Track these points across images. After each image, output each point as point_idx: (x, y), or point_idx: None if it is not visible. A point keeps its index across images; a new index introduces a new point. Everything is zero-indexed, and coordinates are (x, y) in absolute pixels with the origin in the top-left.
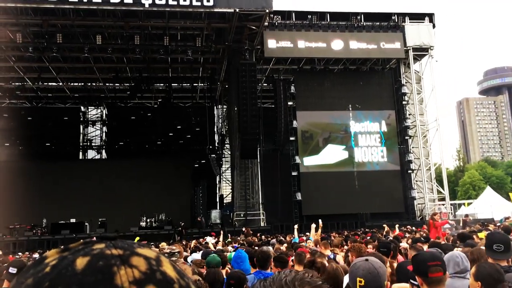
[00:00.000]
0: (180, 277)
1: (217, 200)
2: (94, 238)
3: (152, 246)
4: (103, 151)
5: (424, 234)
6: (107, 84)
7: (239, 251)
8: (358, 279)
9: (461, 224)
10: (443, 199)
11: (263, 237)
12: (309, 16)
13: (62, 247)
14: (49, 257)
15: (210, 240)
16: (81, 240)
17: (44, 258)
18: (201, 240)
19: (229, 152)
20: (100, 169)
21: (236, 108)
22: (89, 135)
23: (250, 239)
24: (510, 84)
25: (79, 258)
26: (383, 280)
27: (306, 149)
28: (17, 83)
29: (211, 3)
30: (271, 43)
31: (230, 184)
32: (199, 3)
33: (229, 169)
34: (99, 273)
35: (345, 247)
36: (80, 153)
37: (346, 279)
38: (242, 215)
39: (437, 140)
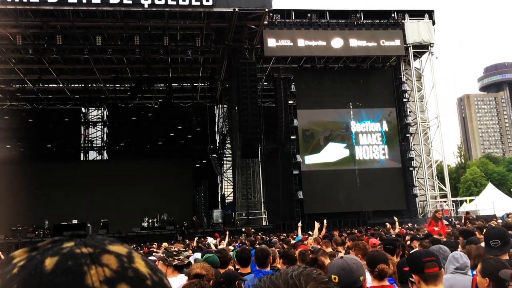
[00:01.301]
0: (153, 273)
1: (219, 199)
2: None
3: (155, 245)
4: (104, 152)
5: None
6: (108, 85)
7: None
8: (332, 276)
9: (462, 221)
10: (444, 196)
11: (263, 236)
12: (309, 15)
13: (30, 246)
14: (16, 257)
15: (211, 240)
16: (50, 239)
17: (11, 259)
18: (203, 239)
19: (230, 152)
20: (101, 170)
21: (236, 108)
22: (90, 136)
23: (253, 238)
24: (511, 80)
25: (48, 258)
26: (357, 275)
27: (307, 147)
28: (18, 85)
29: (210, 3)
30: (271, 42)
31: (232, 184)
32: (198, 3)
33: (231, 168)
34: (69, 273)
35: (347, 244)
36: (82, 154)
37: None
38: (244, 215)
39: (438, 137)
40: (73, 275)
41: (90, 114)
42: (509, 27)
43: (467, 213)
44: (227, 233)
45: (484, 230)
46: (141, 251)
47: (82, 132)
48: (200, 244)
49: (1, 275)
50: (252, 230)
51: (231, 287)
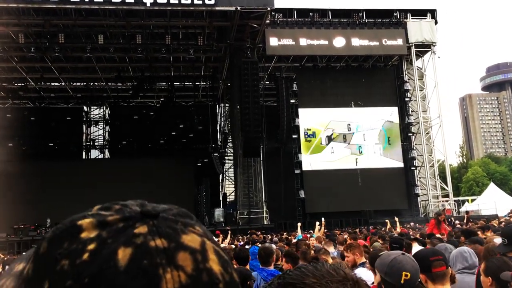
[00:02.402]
0: (225, 271)
1: (220, 198)
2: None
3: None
4: (106, 150)
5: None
6: (110, 83)
7: (254, 247)
8: (404, 273)
9: (464, 221)
10: (446, 195)
11: (265, 235)
12: (311, 14)
13: (97, 219)
14: (85, 230)
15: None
16: (117, 206)
17: (78, 230)
18: None
19: (232, 151)
20: (103, 168)
21: (238, 107)
22: (92, 134)
23: (254, 237)
24: None
25: (121, 248)
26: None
27: (309, 146)
28: (20, 84)
29: (212, 2)
30: (273, 41)
31: (233, 183)
32: (200, 2)
33: (232, 167)
34: (144, 276)
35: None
36: (83, 153)
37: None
38: (245, 213)
39: (440, 137)
40: (148, 280)
41: (92, 112)
42: (511, 27)
43: (467, 212)
44: (230, 232)
45: (488, 230)
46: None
47: (84, 131)
48: None
49: (69, 254)
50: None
51: (242, 286)
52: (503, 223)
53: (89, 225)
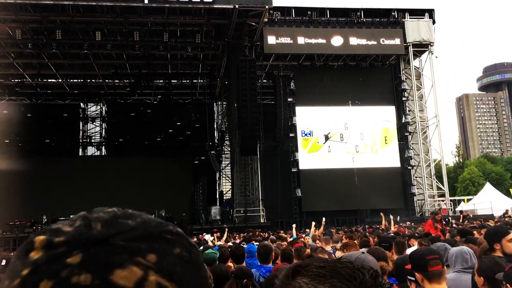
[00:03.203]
0: None
1: (217, 196)
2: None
3: None
4: (103, 147)
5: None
6: (107, 80)
7: (250, 245)
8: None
9: (460, 220)
10: (442, 195)
11: (262, 233)
12: (309, 12)
13: (54, 231)
14: (35, 249)
15: (208, 237)
16: (78, 222)
17: (31, 248)
18: (200, 236)
19: (229, 149)
20: (99, 165)
21: (235, 105)
22: (88, 131)
23: (251, 235)
24: (510, 80)
25: (44, 281)
26: None
27: (306, 145)
28: (17, 80)
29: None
30: (271, 39)
31: (230, 181)
32: None
33: (229, 165)
34: None
35: (343, 241)
36: (80, 150)
37: None
38: (242, 212)
39: (436, 136)
40: None
41: (89, 109)
42: (508, 27)
43: (461, 212)
44: (226, 230)
45: (483, 229)
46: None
47: (81, 128)
48: (197, 241)
49: (12, 272)
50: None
51: (239, 281)
52: (498, 223)
53: (40, 244)
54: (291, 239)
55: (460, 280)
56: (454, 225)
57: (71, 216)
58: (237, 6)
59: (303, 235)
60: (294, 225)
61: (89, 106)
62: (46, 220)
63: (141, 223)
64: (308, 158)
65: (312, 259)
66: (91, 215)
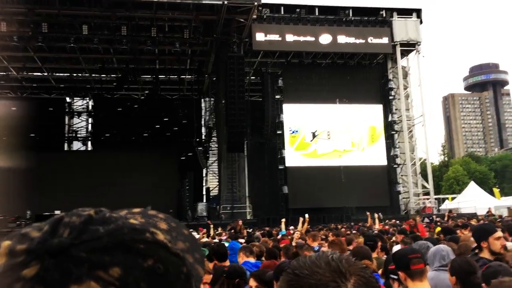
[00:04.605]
0: None
1: (204, 193)
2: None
3: None
4: (89, 142)
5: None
6: (93, 75)
7: (233, 242)
8: None
9: (445, 219)
10: (427, 193)
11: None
12: (298, 10)
13: (20, 236)
14: (0, 254)
15: (194, 234)
16: (45, 227)
17: None
18: None
19: (216, 145)
20: (85, 160)
21: (223, 101)
22: (74, 126)
23: (239, 234)
24: (495, 80)
25: None
26: None
27: (293, 142)
28: (1, 73)
29: None
30: (260, 36)
31: (217, 177)
32: None
33: (216, 162)
34: None
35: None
36: (65, 145)
37: None
38: (228, 208)
39: (422, 135)
40: None
41: (74, 104)
42: (494, 29)
43: (450, 211)
44: (212, 226)
45: (466, 228)
46: None
47: (67, 122)
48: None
49: None
50: (240, 222)
51: (231, 281)
52: (482, 221)
53: (4, 250)
54: (280, 234)
55: (439, 278)
56: (439, 224)
57: (55, 211)
58: (226, 2)
59: (291, 232)
60: (283, 220)
61: (75, 101)
62: (30, 215)
63: (113, 230)
64: (295, 156)
65: (298, 263)
66: (64, 218)
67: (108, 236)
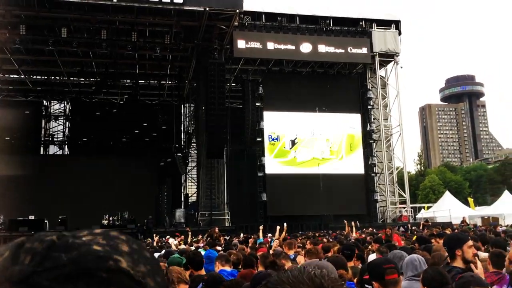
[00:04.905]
0: None
1: (182, 199)
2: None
3: None
4: (66, 146)
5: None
6: (72, 78)
7: (210, 251)
8: None
9: (420, 228)
10: (404, 202)
11: (226, 237)
12: (279, 18)
13: None
14: None
15: (172, 241)
16: (9, 253)
17: None
18: (163, 239)
19: (196, 151)
20: (62, 165)
21: (203, 107)
22: (51, 130)
23: (217, 241)
24: (471, 92)
25: None
26: None
27: (273, 150)
28: None
29: (181, 1)
30: (241, 44)
31: (196, 183)
32: (168, 0)
33: (195, 168)
34: None
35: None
36: (42, 148)
37: None
38: (206, 215)
39: (400, 145)
40: None
41: (52, 107)
42: (470, 41)
43: (426, 220)
44: (189, 233)
45: (441, 237)
46: None
47: (43, 126)
48: (160, 243)
49: None
50: (217, 229)
51: None
52: (456, 230)
53: None
54: (258, 242)
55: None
56: (415, 232)
57: (30, 216)
58: (207, 9)
59: (269, 240)
60: (261, 227)
61: (52, 104)
62: (3, 220)
63: (76, 258)
64: (274, 163)
65: (279, 278)
66: (25, 243)
67: (71, 264)
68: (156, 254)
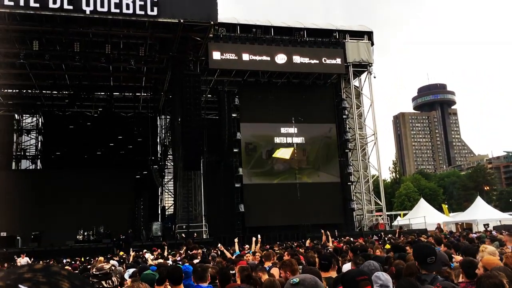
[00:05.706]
0: None
1: (159, 212)
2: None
3: (101, 259)
4: (38, 161)
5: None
6: (44, 91)
7: (186, 266)
8: None
9: (396, 235)
10: (380, 210)
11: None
12: (254, 30)
13: None
14: None
15: (148, 255)
16: None
17: None
18: (140, 253)
19: (172, 163)
20: (34, 179)
21: (179, 119)
22: (23, 144)
23: (193, 253)
24: (442, 100)
25: None
26: None
27: (250, 161)
28: None
29: (155, 13)
30: (216, 55)
31: (173, 196)
32: (142, 12)
33: (172, 180)
34: None
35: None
36: (13, 163)
37: None
38: (184, 227)
39: (375, 153)
40: None
41: (24, 121)
42: (441, 51)
43: (401, 227)
44: (166, 246)
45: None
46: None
47: (15, 140)
48: (136, 258)
49: None
50: (191, 241)
51: None
52: (430, 237)
53: None
54: (235, 255)
55: None
56: (392, 240)
57: (1, 233)
58: (182, 21)
59: (246, 252)
60: (236, 240)
61: (24, 118)
62: None
63: None
64: (252, 174)
65: None
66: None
67: None
68: (131, 270)
